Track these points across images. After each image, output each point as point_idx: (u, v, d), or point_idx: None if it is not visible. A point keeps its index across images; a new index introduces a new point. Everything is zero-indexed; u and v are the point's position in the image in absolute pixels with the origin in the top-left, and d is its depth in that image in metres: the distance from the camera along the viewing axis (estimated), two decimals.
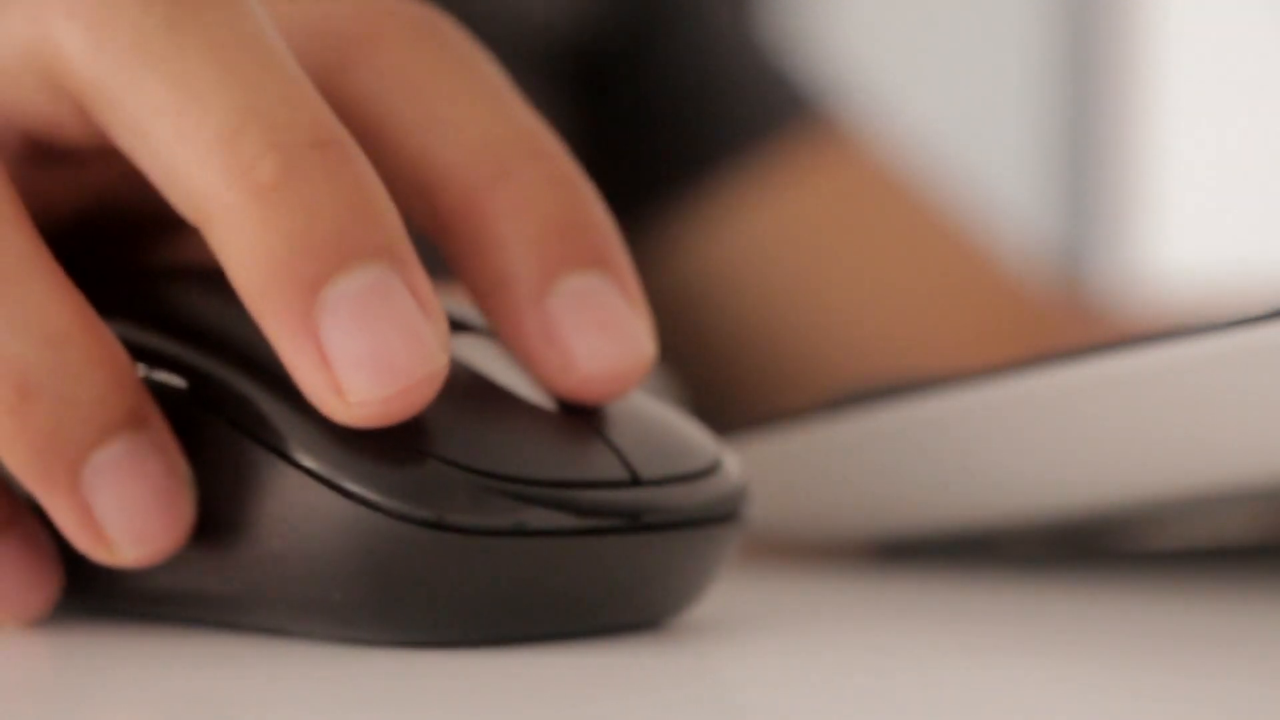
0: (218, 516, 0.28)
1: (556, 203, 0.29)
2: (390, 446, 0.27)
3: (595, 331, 0.28)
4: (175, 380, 0.29)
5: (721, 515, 0.29)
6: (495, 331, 0.29)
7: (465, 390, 0.28)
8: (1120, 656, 0.29)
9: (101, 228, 0.32)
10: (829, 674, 0.27)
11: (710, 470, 0.29)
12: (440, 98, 0.29)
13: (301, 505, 0.27)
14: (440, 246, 0.29)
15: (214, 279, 0.28)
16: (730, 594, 0.31)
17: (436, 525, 0.27)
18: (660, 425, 0.29)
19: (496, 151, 0.29)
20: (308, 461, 0.27)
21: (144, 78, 0.27)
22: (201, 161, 0.26)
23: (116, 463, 0.27)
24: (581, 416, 0.29)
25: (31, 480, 0.27)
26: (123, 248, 0.32)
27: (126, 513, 0.27)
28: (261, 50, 0.27)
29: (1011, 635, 0.31)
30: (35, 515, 0.29)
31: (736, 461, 0.30)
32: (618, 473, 0.28)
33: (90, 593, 0.30)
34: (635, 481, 0.28)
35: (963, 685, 0.26)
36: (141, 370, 0.29)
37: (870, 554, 0.40)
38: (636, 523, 0.28)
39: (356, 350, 0.26)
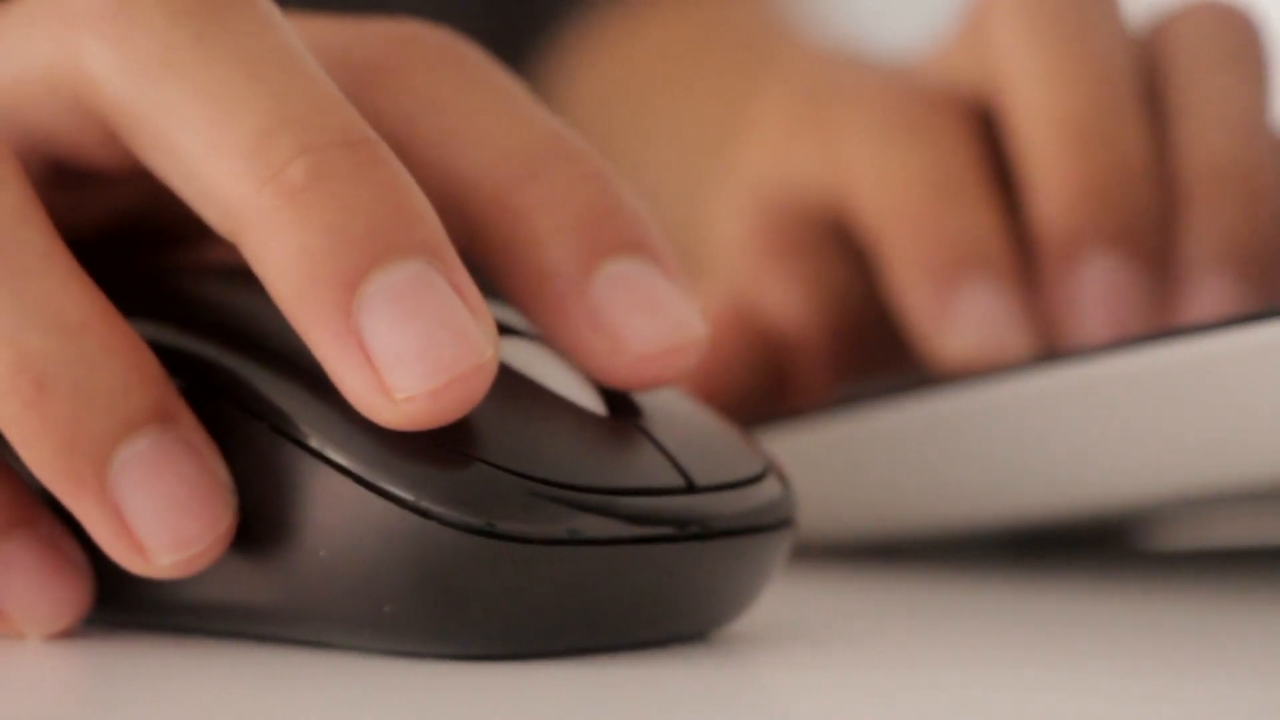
0: (260, 524, 0.27)
1: (588, 194, 0.28)
2: (440, 451, 0.26)
3: (642, 312, 0.28)
4: (206, 381, 0.28)
5: (775, 522, 0.28)
6: (540, 328, 0.29)
7: (514, 395, 0.27)
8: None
9: (122, 248, 0.32)
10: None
11: (761, 476, 0.28)
12: (463, 113, 0.29)
13: (350, 512, 0.26)
14: (477, 256, 0.29)
15: (247, 277, 0.27)
16: (768, 600, 0.30)
17: (489, 533, 0.26)
18: (707, 430, 0.29)
19: (523, 155, 0.29)
20: (355, 467, 0.26)
21: (172, 92, 0.27)
22: (233, 171, 0.26)
23: (144, 457, 0.27)
24: (631, 421, 0.28)
25: (58, 482, 0.27)
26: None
27: (159, 513, 0.27)
28: (289, 60, 0.27)
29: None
30: (60, 520, 0.29)
31: (782, 466, 0.29)
32: (672, 479, 0.27)
33: (124, 605, 0.29)
34: (690, 488, 0.27)
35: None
36: (177, 384, 0.28)
37: (868, 555, 0.40)
38: (693, 531, 0.27)
39: (400, 344, 0.26)
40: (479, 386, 0.26)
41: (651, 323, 0.28)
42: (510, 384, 0.27)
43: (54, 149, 0.29)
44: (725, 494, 0.28)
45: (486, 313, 0.26)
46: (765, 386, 0.42)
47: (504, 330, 0.28)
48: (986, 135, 0.42)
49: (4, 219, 0.27)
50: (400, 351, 0.26)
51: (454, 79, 0.29)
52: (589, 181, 0.29)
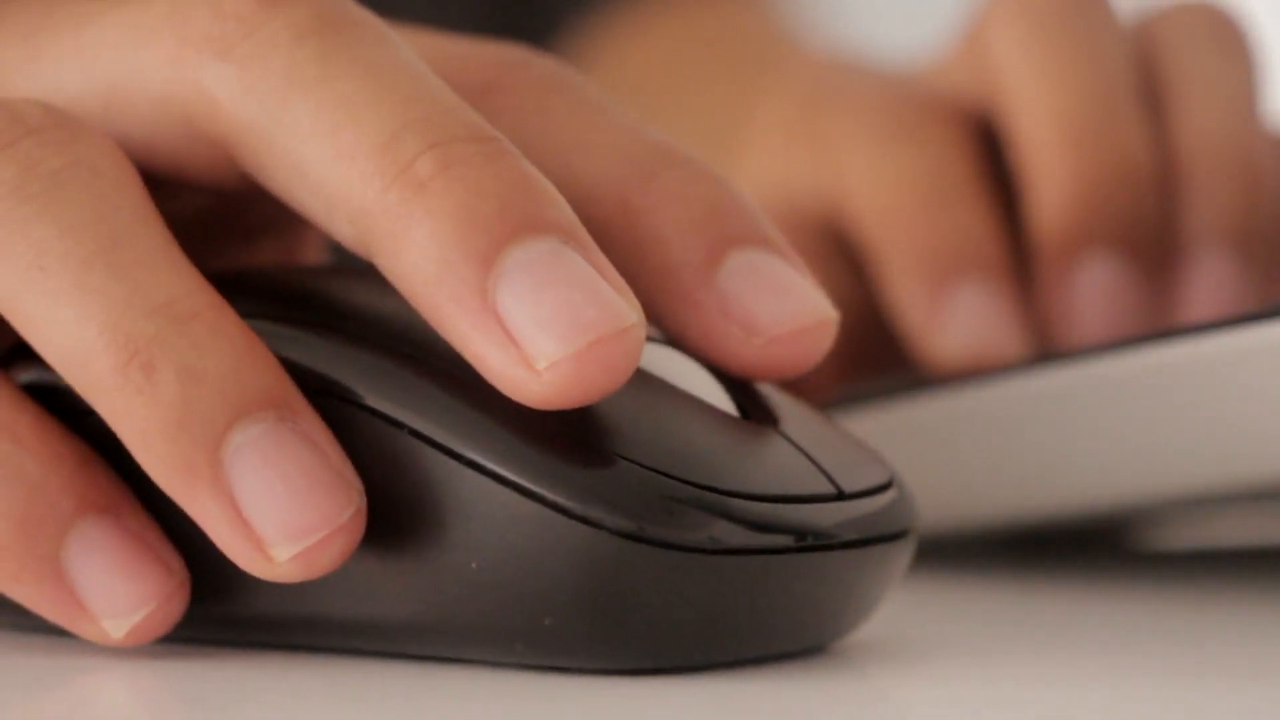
0: (401, 535, 0.26)
1: (707, 192, 0.29)
2: (591, 454, 0.26)
3: (772, 295, 0.28)
4: (333, 388, 0.27)
5: (909, 528, 0.28)
6: (670, 323, 0.28)
7: (657, 399, 0.27)
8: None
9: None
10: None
11: (891, 481, 0.28)
12: (576, 127, 0.29)
13: (506, 520, 0.25)
14: None
15: (363, 276, 0.26)
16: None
17: (649, 539, 0.25)
18: (835, 435, 0.28)
19: (639, 160, 0.29)
20: (508, 471, 0.25)
21: (299, 106, 0.26)
22: (362, 174, 0.26)
23: (259, 443, 0.26)
24: (771, 426, 0.27)
25: (170, 473, 0.26)
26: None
27: (275, 500, 0.25)
28: (412, 71, 0.27)
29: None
30: (151, 519, 0.27)
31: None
32: (823, 486, 0.27)
33: (233, 621, 0.28)
34: (840, 496, 0.27)
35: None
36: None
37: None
38: (844, 539, 0.27)
39: (538, 311, 0.25)
40: (623, 354, 0.25)
41: (782, 304, 0.28)
42: (652, 388, 0.27)
43: (147, 160, 0.29)
44: (868, 500, 0.27)
45: (627, 288, 0.26)
46: None
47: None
48: (982, 140, 0.42)
49: (123, 218, 0.27)
50: (538, 318, 0.25)
51: (564, 98, 0.30)
52: (705, 181, 0.29)
